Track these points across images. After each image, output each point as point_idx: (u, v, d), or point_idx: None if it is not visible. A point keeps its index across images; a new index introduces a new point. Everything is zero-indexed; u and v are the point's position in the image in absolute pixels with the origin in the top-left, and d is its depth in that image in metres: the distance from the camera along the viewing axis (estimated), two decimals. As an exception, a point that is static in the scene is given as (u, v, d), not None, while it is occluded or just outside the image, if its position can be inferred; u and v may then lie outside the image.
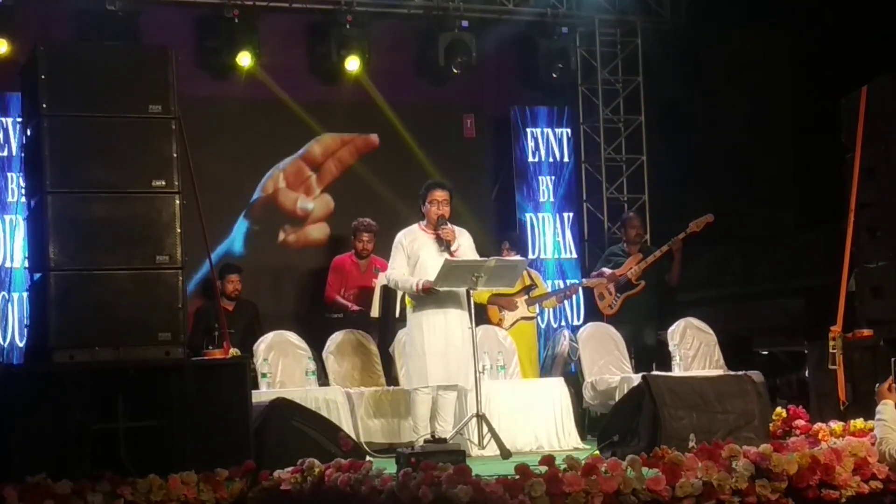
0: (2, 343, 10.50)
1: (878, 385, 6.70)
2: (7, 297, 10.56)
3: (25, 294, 8.94)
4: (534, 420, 9.23)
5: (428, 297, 8.54)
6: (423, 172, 9.69)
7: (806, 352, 9.58)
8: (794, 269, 12.61)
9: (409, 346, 8.75)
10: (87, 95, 7.35)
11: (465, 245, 8.71)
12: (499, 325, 10.50)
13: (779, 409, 8.47)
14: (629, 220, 11.43)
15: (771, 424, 8.21)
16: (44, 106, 7.25)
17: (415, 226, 8.86)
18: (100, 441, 7.09)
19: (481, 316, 10.23)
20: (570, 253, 13.01)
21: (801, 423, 8.33)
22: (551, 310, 12.29)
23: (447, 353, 8.51)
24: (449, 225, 8.70)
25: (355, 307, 10.65)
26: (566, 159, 13.14)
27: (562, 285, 12.41)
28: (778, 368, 11.76)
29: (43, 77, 7.25)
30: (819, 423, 8.12)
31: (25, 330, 9.45)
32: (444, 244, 8.63)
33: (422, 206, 8.78)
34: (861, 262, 8.79)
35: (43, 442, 6.95)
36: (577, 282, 12.17)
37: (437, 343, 8.54)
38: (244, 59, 11.66)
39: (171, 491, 6.67)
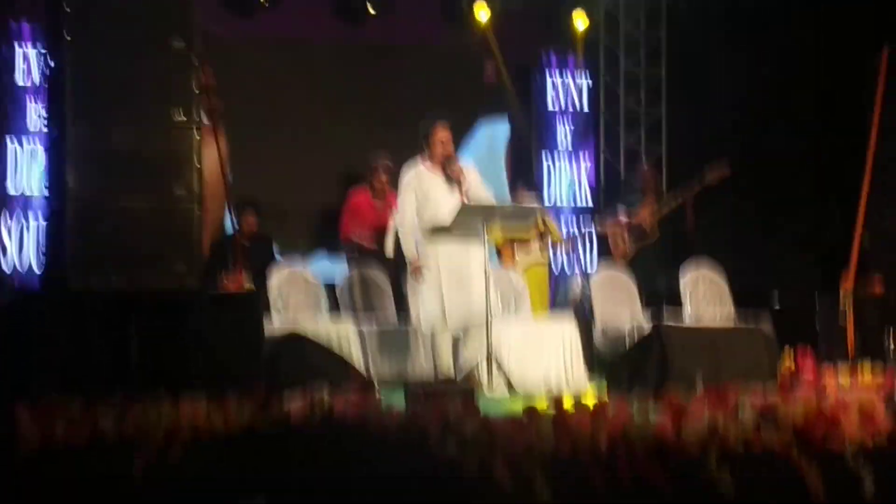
0: (20, 269, 10.57)
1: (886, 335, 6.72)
2: (25, 224, 10.61)
3: (44, 222, 9.00)
4: (543, 360, 9.26)
5: (443, 234, 8.53)
6: (444, 116, 9.68)
7: (817, 304, 9.60)
8: (809, 221, 12.58)
9: (425, 283, 8.75)
10: (110, 27, 7.35)
11: (475, 183, 8.69)
12: (512, 267, 10.53)
13: (787, 360, 8.48)
14: (644, 170, 11.44)
15: (779, 375, 8.23)
16: (67, 37, 7.27)
17: (419, 164, 8.77)
18: (113, 367, 7.17)
19: (494, 258, 10.29)
20: (586, 200, 13.02)
21: (809, 374, 8.35)
22: (564, 255, 12.31)
23: (459, 291, 8.51)
24: (456, 163, 8.67)
25: (370, 245, 10.68)
26: (585, 108, 13.12)
27: (576, 231, 12.42)
28: (789, 320, 11.75)
29: (67, 8, 7.27)
30: (827, 376, 8.14)
31: (42, 257, 9.52)
32: (455, 183, 8.60)
33: (423, 142, 8.72)
34: (875, 218, 8.79)
35: (58, 365, 7.03)
36: (590, 228, 12.19)
37: (449, 281, 8.53)
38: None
39: (181, 415, 6.75)
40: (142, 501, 6.52)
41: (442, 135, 8.65)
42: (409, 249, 8.72)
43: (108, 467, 6.51)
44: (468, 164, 8.79)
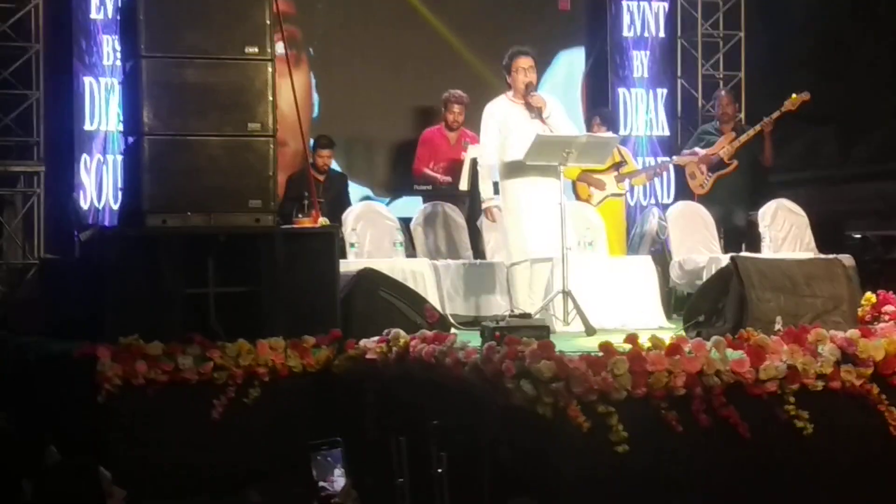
0: (97, 205, 10.65)
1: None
2: (102, 159, 10.68)
3: (120, 157, 9.03)
4: (620, 298, 9.18)
5: (520, 168, 8.47)
6: (515, 44, 9.59)
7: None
8: (889, 152, 12.38)
9: (506, 217, 8.67)
10: (182, -40, 7.37)
11: (556, 111, 8.63)
12: (587, 201, 10.46)
13: (868, 295, 8.36)
14: (722, 97, 11.27)
15: (860, 310, 8.10)
16: (140, -30, 7.28)
17: (501, 97, 8.76)
18: (190, 305, 7.23)
19: (570, 191, 10.22)
20: (663, 130, 12.86)
21: (890, 308, 8.22)
22: (641, 187, 12.20)
23: (537, 225, 8.45)
24: (537, 91, 8.61)
25: (445, 178, 10.65)
26: (661, 34, 12.93)
27: (653, 162, 12.29)
28: (871, 252, 11.60)
29: (139, -58, 7.28)
30: (909, 306, 8.03)
31: (119, 193, 9.57)
32: (536, 111, 8.55)
33: (507, 77, 8.68)
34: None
35: (136, 305, 7.10)
36: (667, 159, 12.05)
37: (526, 215, 8.48)
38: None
39: (259, 356, 6.81)
40: (220, 442, 6.63)
41: (524, 62, 8.60)
42: (485, 189, 8.68)
43: (188, 408, 6.62)
44: (549, 96, 8.71)
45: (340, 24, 11.89)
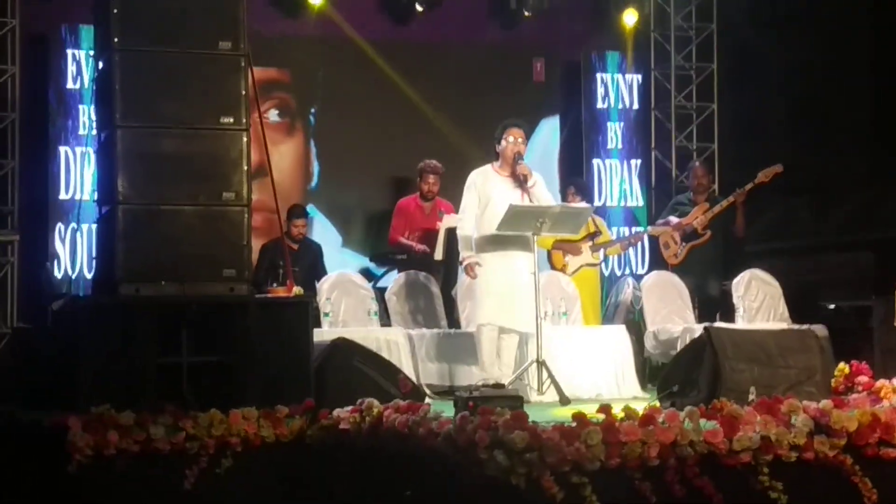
0: (70, 274, 10.63)
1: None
2: (77, 227, 10.67)
3: (94, 226, 9.03)
4: (594, 367, 9.22)
5: (493, 240, 8.52)
6: (491, 115, 9.67)
7: (873, 306, 9.48)
8: (864, 222, 12.45)
9: (473, 286, 8.73)
10: (158, 30, 7.39)
11: (539, 183, 8.69)
12: (562, 270, 10.49)
13: (842, 365, 8.38)
14: (696, 169, 11.37)
15: (833, 380, 8.13)
16: (115, 40, 7.30)
17: (487, 166, 8.81)
18: (163, 375, 7.18)
19: (545, 261, 10.24)
20: (637, 201, 12.95)
21: (863, 379, 8.24)
22: (616, 257, 12.25)
23: (509, 296, 8.50)
24: (523, 163, 8.66)
25: (421, 247, 10.66)
26: (636, 106, 13.05)
27: (627, 233, 12.36)
28: (844, 323, 11.64)
29: (115, 11, 7.29)
30: (882, 381, 8.04)
31: (93, 262, 9.56)
32: (520, 180, 8.58)
33: (497, 146, 8.73)
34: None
35: (108, 374, 7.05)
36: (642, 230, 12.11)
37: (500, 285, 8.53)
38: (315, -3, 11.71)
39: (231, 426, 6.75)
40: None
41: (516, 132, 8.67)
42: (464, 246, 8.70)
43: (159, 478, 6.55)
44: (533, 170, 8.79)
45: (338, 93, 11.96)
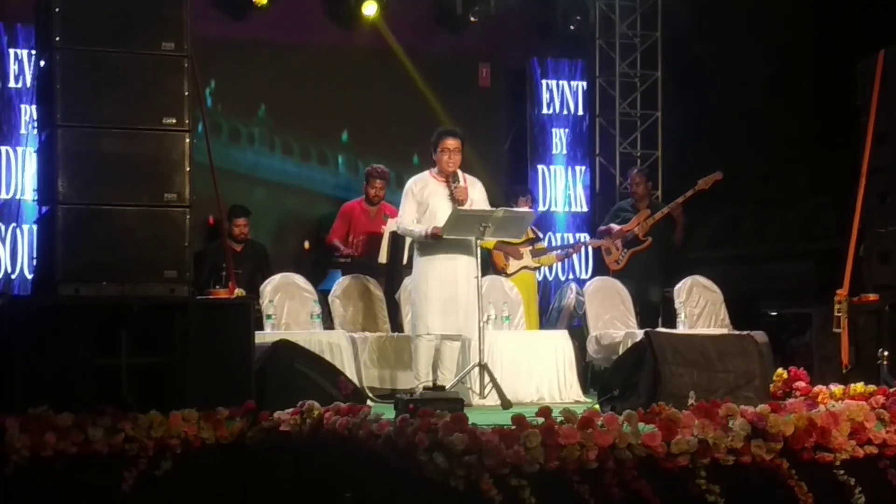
0: (10, 274, 10.54)
1: (880, 350, 6.69)
2: (19, 228, 10.59)
3: (35, 226, 8.96)
4: (536, 372, 9.26)
5: (436, 244, 8.54)
6: (438, 121, 9.67)
7: (812, 312, 9.57)
8: (805, 232, 12.57)
9: (415, 292, 8.77)
10: (100, 30, 7.30)
11: (477, 199, 8.71)
12: (503, 270, 10.56)
13: (780, 371, 8.46)
14: (634, 176, 11.46)
15: (771, 385, 8.20)
16: (57, 39, 7.21)
17: (426, 173, 8.84)
18: (102, 376, 7.12)
19: (487, 261, 10.27)
20: (581, 206, 13.01)
21: (801, 384, 8.32)
22: (556, 262, 12.27)
23: (452, 302, 8.53)
24: (462, 182, 8.66)
25: (347, 250, 10.68)
26: (580, 112, 13.12)
27: (571, 240, 12.41)
28: (784, 330, 11.75)
29: (57, 10, 7.21)
30: (819, 386, 8.12)
31: (33, 262, 9.48)
32: (456, 197, 8.62)
33: (433, 154, 8.77)
34: (871, 227, 8.76)
35: (46, 374, 6.98)
36: (581, 240, 12.21)
37: (442, 291, 8.55)
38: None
39: (171, 427, 6.71)
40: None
41: (450, 143, 8.64)
42: (416, 229, 8.66)
43: (98, 480, 6.50)
44: (472, 178, 8.80)
45: (285, 89, 11.93)
